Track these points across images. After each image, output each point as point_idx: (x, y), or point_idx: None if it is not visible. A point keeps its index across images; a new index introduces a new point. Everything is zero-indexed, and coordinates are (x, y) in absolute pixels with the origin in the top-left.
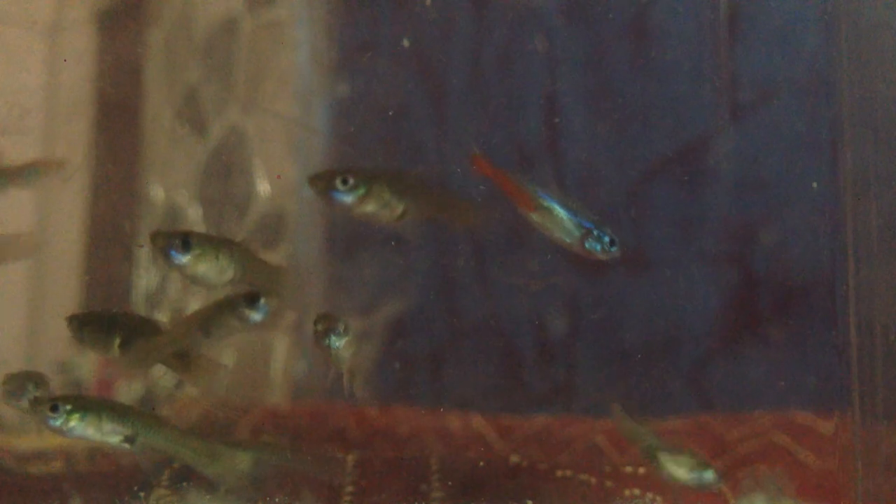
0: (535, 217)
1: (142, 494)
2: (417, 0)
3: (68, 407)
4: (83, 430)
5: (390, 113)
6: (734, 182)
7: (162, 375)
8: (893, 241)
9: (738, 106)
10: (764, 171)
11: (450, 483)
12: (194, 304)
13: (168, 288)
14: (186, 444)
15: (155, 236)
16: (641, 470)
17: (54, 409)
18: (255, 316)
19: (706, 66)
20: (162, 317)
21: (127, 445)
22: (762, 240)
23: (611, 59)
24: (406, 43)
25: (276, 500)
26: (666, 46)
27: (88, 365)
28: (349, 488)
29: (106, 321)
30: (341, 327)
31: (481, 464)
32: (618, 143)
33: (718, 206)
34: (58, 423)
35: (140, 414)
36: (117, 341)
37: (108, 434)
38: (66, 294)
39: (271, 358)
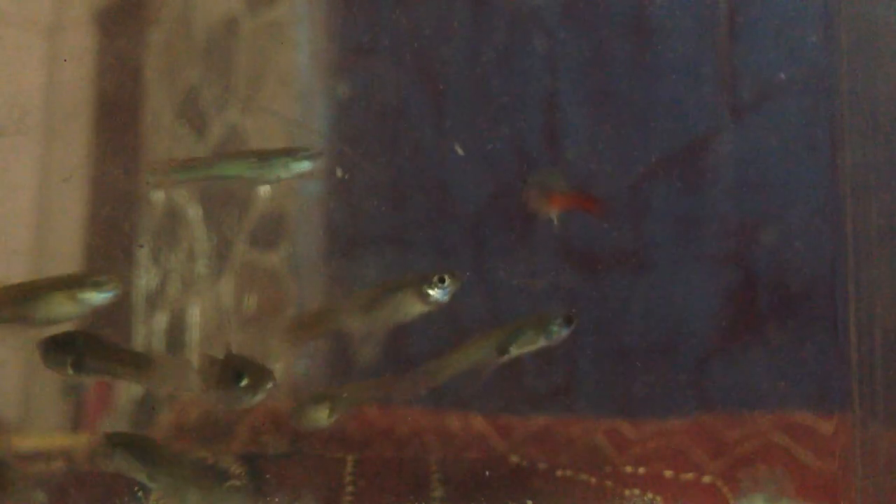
0: None
1: (141, 494)
2: (417, 0)
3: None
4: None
5: (390, 113)
6: (734, 182)
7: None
8: (893, 241)
9: (738, 106)
10: (764, 171)
11: (450, 483)
12: (194, 305)
13: (168, 288)
14: (198, 483)
15: None
16: (641, 470)
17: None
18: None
19: (706, 66)
20: (162, 317)
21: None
22: (762, 240)
23: (611, 59)
24: (459, 150)
25: (276, 500)
26: (666, 46)
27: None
28: (349, 488)
29: (60, 341)
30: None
31: (486, 472)
32: (618, 143)
33: (718, 206)
34: None
35: (162, 456)
36: (69, 360)
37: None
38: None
39: (271, 357)
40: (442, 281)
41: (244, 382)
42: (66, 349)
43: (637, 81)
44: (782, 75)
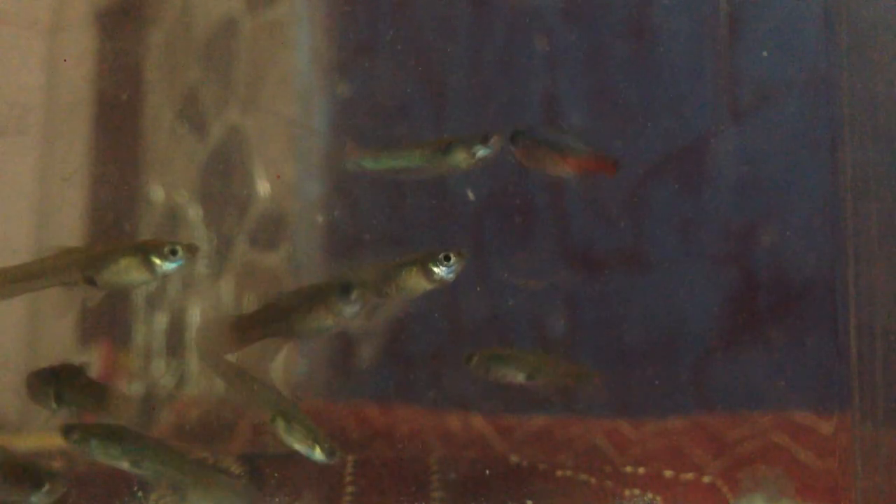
0: None
1: (141, 494)
2: (418, 0)
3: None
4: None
5: (390, 113)
6: (734, 182)
7: (162, 375)
8: (893, 241)
9: (738, 106)
10: (764, 171)
11: (450, 483)
12: (194, 305)
13: (168, 288)
14: (188, 471)
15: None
16: (641, 470)
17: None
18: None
19: (706, 66)
20: (162, 317)
21: (137, 470)
22: (762, 240)
23: (611, 59)
24: (471, 196)
25: (276, 500)
26: (666, 46)
27: (89, 364)
28: (349, 488)
29: (45, 376)
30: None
31: (486, 472)
32: (618, 143)
33: (718, 206)
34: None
35: (146, 443)
36: (52, 392)
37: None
38: (66, 294)
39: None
40: (447, 259)
41: (354, 294)
42: (50, 383)
43: (637, 81)
44: (782, 76)
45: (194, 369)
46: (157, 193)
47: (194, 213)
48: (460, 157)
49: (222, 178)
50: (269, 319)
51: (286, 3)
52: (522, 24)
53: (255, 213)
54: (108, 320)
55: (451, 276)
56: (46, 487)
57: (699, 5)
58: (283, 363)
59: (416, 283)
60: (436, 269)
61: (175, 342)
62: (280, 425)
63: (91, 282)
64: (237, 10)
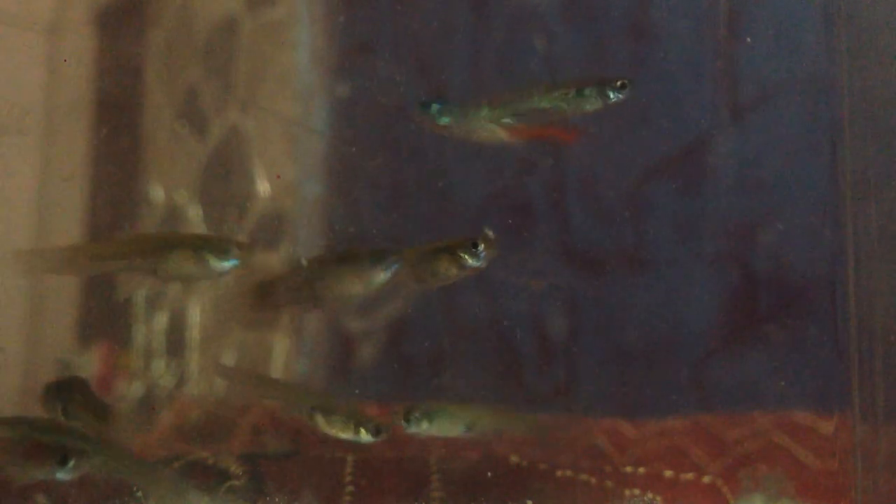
0: None
1: (140, 494)
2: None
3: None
4: None
5: (390, 113)
6: (734, 182)
7: (162, 375)
8: (893, 241)
9: (738, 106)
10: (764, 171)
11: (450, 483)
12: (194, 305)
13: (168, 288)
14: (129, 466)
15: None
16: (641, 470)
17: None
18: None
19: (706, 66)
20: (162, 317)
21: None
22: (762, 240)
23: (611, 58)
24: (490, 234)
25: (276, 500)
26: (666, 46)
27: (88, 364)
28: (349, 488)
29: (55, 388)
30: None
31: (487, 472)
32: (618, 143)
33: (718, 206)
34: None
35: (82, 437)
36: (59, 407)
37: None
38: (66, 294)
39: (271, 357)
40: (475, 246)
41: (387, 261)
42: (58, 397)
43: (637, 81)
44: (782, 76)
45: (194, 369)
46: (157, 193)
47: (194, 213)
48: (592, 100)
49: (222, 178)
50: (299, 284)
51: (286, 3)
52: (522, 24)
53: (255, 213)
54: (108, 320)
55: (481, 263)
56: (72, 463)
57: (699, 5)
58: (283, 364)
59: (446, 269)
60: (466, 256)
61: (175, 342)
62: (319, 420)
63: (152, 272)
64: (237, 10)
